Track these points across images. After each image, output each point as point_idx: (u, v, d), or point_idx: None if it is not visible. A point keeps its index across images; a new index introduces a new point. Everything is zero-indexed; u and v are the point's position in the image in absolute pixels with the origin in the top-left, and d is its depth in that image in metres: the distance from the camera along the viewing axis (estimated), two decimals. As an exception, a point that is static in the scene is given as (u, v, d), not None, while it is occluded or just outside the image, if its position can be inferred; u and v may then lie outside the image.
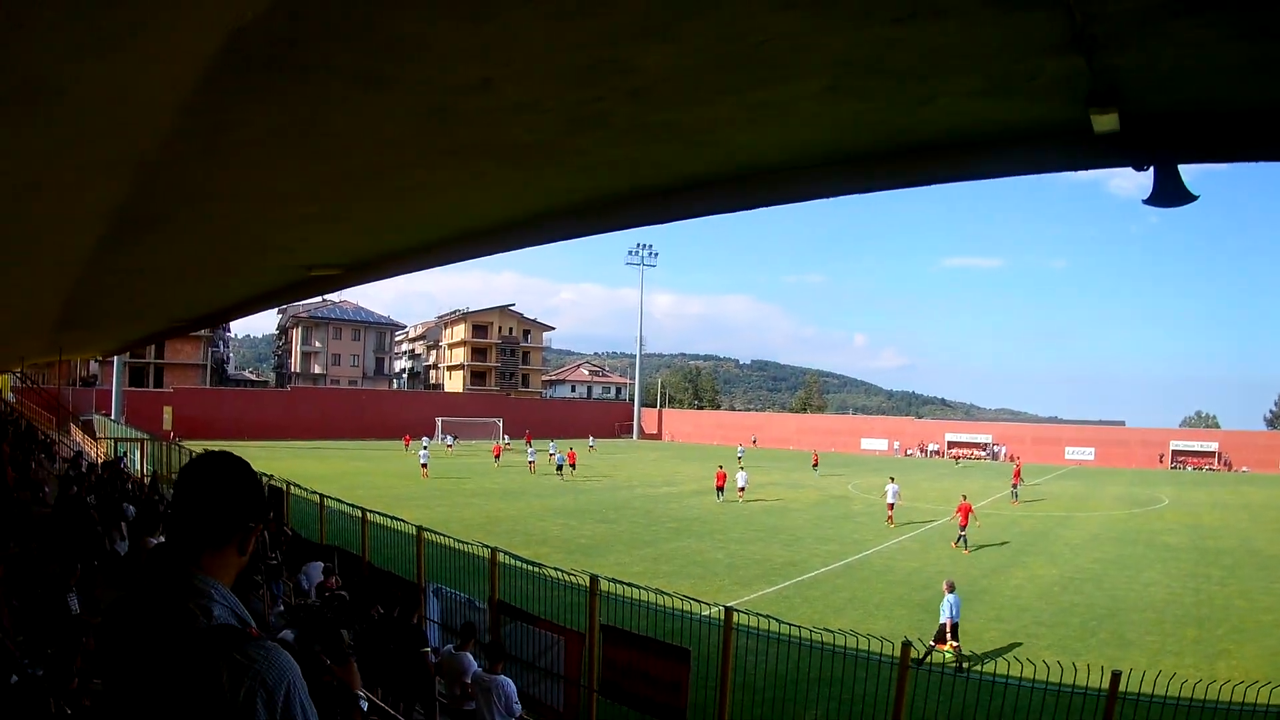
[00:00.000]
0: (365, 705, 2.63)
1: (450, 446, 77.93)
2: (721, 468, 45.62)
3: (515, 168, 4.73)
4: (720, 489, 43.84)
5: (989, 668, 10.12)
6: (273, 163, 4.53)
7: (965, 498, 31.75)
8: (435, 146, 4.27)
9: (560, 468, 54.87)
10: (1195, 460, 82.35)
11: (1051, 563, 27.54)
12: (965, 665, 14.52)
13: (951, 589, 16.72)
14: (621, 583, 12.30)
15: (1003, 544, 31.16)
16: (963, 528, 30.19)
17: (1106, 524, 37.66)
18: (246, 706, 1.99)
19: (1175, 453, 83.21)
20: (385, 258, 8.35)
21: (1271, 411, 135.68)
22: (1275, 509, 45.25)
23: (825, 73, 3.34)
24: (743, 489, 43.91)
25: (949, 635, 15.70)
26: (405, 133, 4.03)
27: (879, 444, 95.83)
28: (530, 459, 58.93)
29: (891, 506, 36.35)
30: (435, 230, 6.95)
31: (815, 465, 62.64)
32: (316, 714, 2.15)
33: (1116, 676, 8.71)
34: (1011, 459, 76.73)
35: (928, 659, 14.42)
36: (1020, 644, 14.35)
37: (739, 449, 75.89)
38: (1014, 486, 47.69)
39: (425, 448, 56.11)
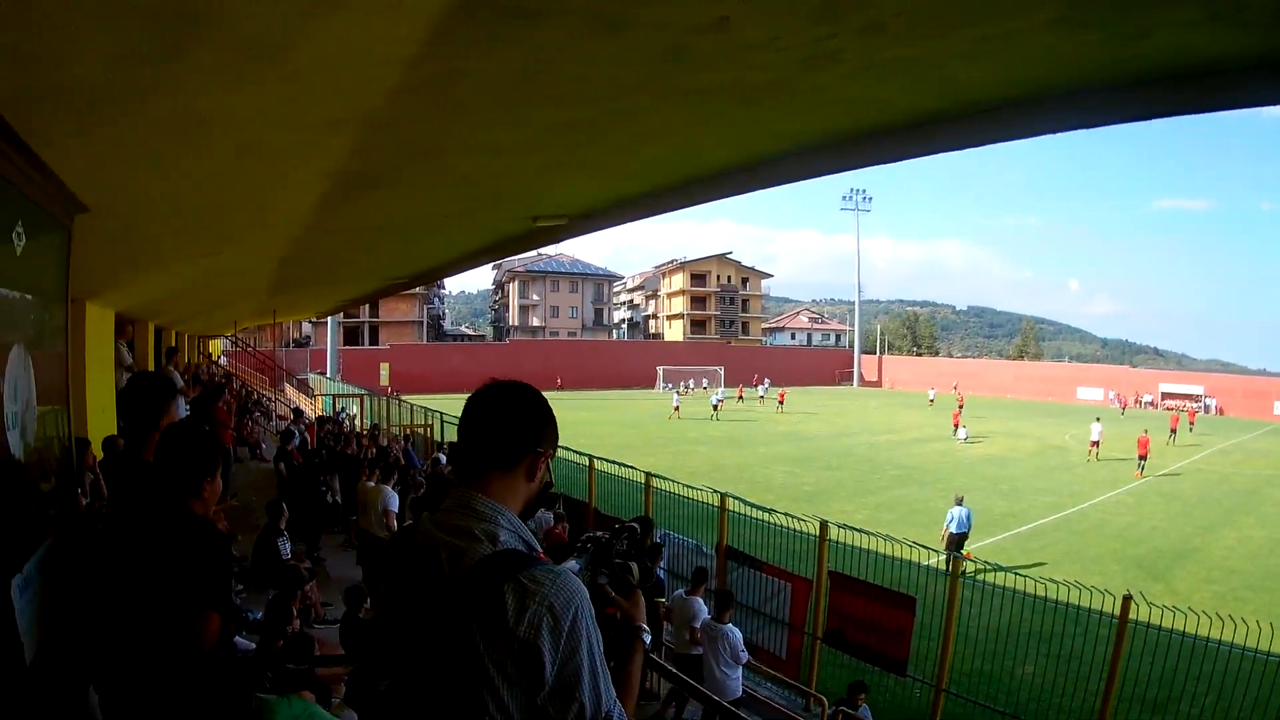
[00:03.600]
0: (649, 639, 2.57)
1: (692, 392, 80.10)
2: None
3: (748, 109, 4.65)
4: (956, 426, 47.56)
5: (1202, 629, 9.68)
6: (503, 113, 4.50)
7: (1146, 432, 37.27)
8: (671, 89, 4.21)
9: (715, 407, 59.86)
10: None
11: (1262, 524, 26.31)
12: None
13: (960, 502, 18.86)
14: (851, 528, 12.37)
15: (1213, 503, 29.94)
16: (1142, 457, 35.66)
17: (1316, 483, 35.50)
18: (531, 631, 1.98)
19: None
20: (612, 206, 8.25)
21: None
22: None
23: (1052, 3, 3.23)
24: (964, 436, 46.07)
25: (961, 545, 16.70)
26: (641, 76, 3.97)
27: (1095, 393, 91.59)
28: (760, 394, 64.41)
29: (1095, 444, 40.11)
30: (664, 176, 6.88)
31: (960, 406, 59.03)
32: (601, 642, 2.12)
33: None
34: (1220, 412, 76.64)
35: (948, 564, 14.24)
36: (1229, 607, 13.66)
37: (930, 393, 79.70)
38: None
39: (679, 392, 66.13)
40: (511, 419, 2.29)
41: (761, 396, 70.38)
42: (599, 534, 2.80)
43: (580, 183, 7.25)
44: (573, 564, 2.59)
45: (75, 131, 3.55)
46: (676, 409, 58.80)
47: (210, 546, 3.16)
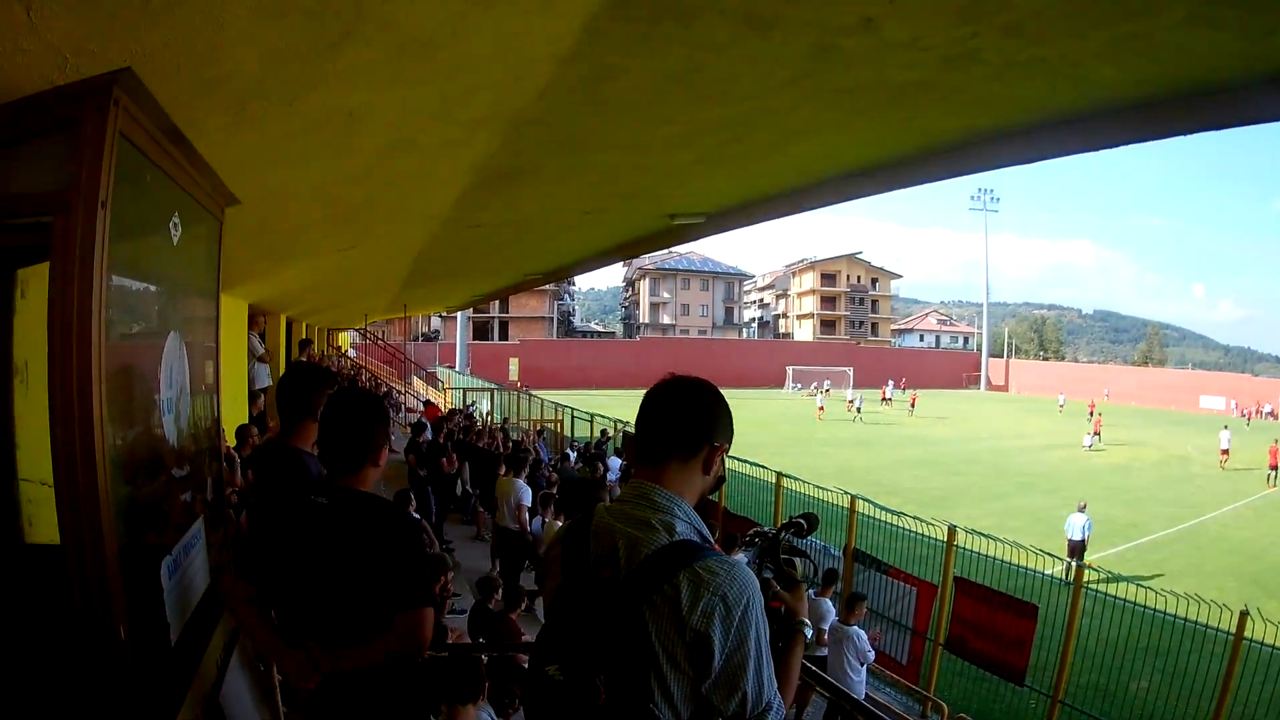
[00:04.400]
0: (811, 634, 2.56)
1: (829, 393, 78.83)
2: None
3: (890, 108, 4.65)
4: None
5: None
6: (651, 111, 4.52)
7: (1277, 442, 36.81)
8: (816, 88, 4.20)
9: (859, 409, 59.75)
10: None
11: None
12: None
13: (1082, 509, 18.82)
14: (979, 534, 12.33)
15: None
16: (1273, 468, 35.87)
17: None
18: (704, 620, 2.00)
19: None
20: (750, 204, 8.23)
21: None
22: None
23: (1183, 2, 3.19)
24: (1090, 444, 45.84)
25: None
26: (788, 75, 3.96)
27: (1217, 402, 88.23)
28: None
29: (1225, 452, 40.48)
30: (804, 175, 6.84)
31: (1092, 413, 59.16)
32: (768, 633, 2.14)
33: None
34: None
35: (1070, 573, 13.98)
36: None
37: (1060, 399, 78.55)
38: None
39: (823, 392, 68.14)
40: (689, 412, 2.32)
41: (889, 399, 70.04)
42: (765, 529, 2.81)
43: (721, 181, 7.29)
44: (741, 556, 2.60)
45: (230, 125, 3.65)
46: (821, 409, 59.82)
47: (409, 533, 3.20)
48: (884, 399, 71.58)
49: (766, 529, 2.80)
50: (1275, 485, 35.17)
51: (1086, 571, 13.45)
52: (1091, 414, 57.26)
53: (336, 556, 3.02)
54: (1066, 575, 11.96)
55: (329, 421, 3.24)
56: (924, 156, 5.89)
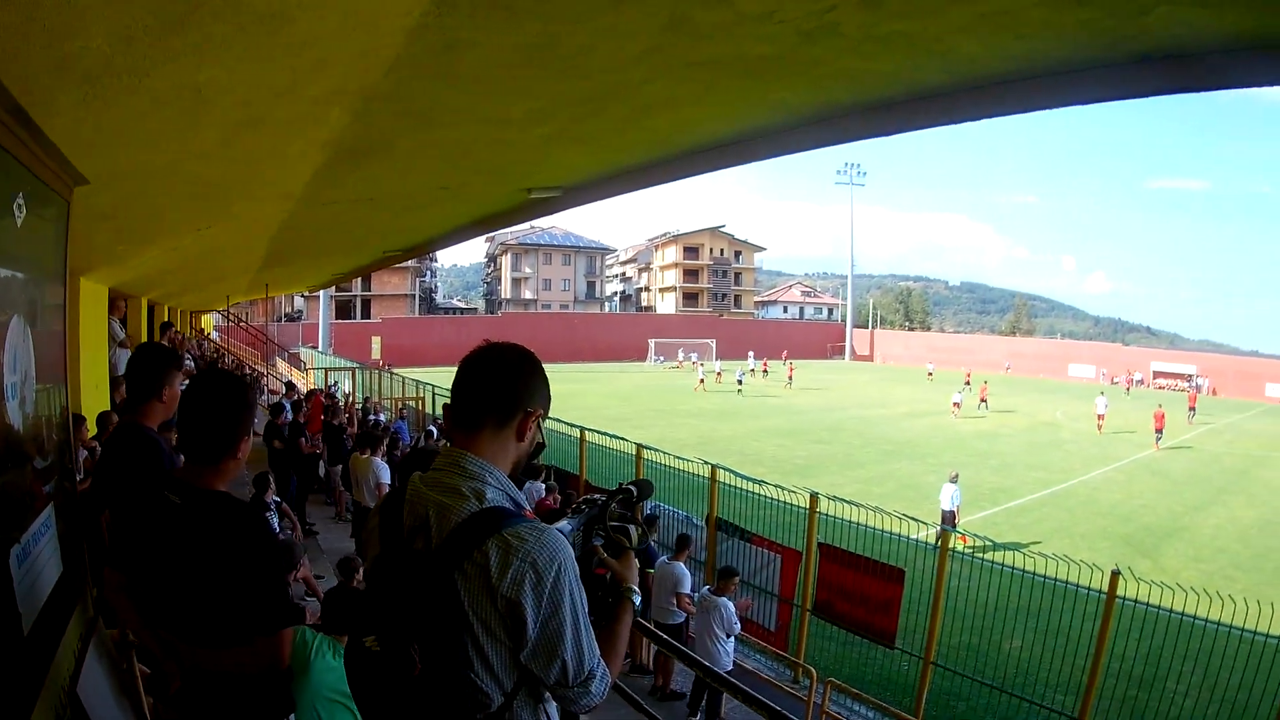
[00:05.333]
0: (639, 601, 2.52)
1: (694, 364, 79.88)
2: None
3: (746, 81, 4.65)
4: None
5: (1189, 607, 9.80)
6: (505, 84, 4.47)
7: (1161, 406, 40.05)
8: (673, 61, 4.19)
9: (740, 382, 60.02)
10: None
11: (1250, 504, 26.62)
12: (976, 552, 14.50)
13: (954, 480, 19.13)
14: (841, 500, 12.46)
15: (1203, 481, 30.30)
16: (1159, 431, 37.77)
17: (1306, 466, 35.89)
18: (514, 588, 2.00)
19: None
20: (608, 178, 8.21)
21: None
22: None
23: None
24: (958, 404, 48.22)
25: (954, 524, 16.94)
26: (644, 47, 3.94)
27: (1086, 370, 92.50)
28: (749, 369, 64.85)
29: (1101, 417, 43.06)
30: (661, 148, 6.84)
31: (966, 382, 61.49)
32: (585, 601, 2.15)
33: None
34: (1212, 392, 76.68)
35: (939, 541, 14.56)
36: (1216, 585, 13.83)
37: (929, 368, 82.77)
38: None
39: (701, 365, 68.18)
40: (502, 378, 2.30)
41: (751, 370, 70.62)
42: (595, 496, 2.80)
43: (578, 154, 7.23)
44: (565, 524, 2.60)
45: (78, 103, 3.52)
46: (701, 381, 60.68)
47: (264, 546, 3.10)
48: (764, 370, 72.59)
49: (596, 496, 2.80)
50: (1161, 448, 36.96)
51: (969, 538, 13.87)
52: (968, 383, 59.26)
53: (189, 562, 2.93)
54: (939, 540, 12.26)
55: (188, 409, 3.12)
56: (783, 129, 5.93)
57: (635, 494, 2.78)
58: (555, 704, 2.25)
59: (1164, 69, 4.02)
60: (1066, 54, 4.10)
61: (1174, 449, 37.71)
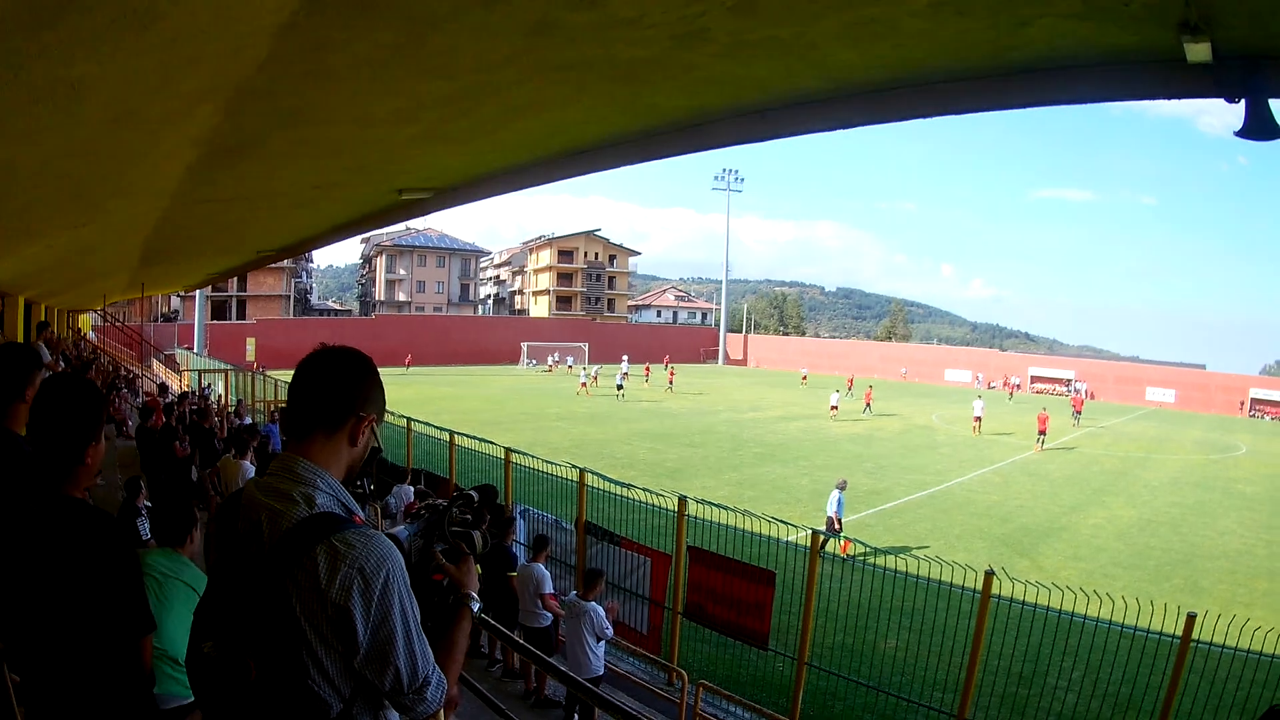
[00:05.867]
0: (478, 607, 2.52)
1: (568, 368, 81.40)
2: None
3: (618, 85, 4.67)
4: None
5: (1058, 603, 10.08)
6: (374, 84, 4.46)
7: (1045, 409, 41.80)
8: (541, 63, 4.20)
9: (620, 387, 58.74)
10: (1275, 410, 79.53)
11: (1130, 504, 27.40)
12: (862, 557, 14.82)
13: (841, 487, 18.87)
14: (709, 503, 12.41)
15: (1081, 482, 31.03)
16: (1041, 433, 39.30)
17: (1185, 468, 37.05)
18: (342, 594, 2.00)
19: (1254, 401, 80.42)
20: (480, 180, 8.24)
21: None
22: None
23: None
24: (835, 407, 49.18)
25: (838, 529, 17.26)
26: (511, 49, 3.95)
27: (962, 375, 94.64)
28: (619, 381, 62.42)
29: (979, 419, 44.49)
30: (533, 150, 6.86)
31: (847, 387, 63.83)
32: (416, 608, 2.15)
33: (1191, 619, 8.68)
34: (1091, 396, 78.29)
35: (822, 548, 14.69)
36: (1096, 583, 14.29)
37: (803, 371, 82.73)
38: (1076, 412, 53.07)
39: (585, 369, 66.75)
40: (334, 384, 2.31)
41: (626, 374, 69.55)
42: (438, 502, 2.81)
43: (448, 155, 7.27)
44: (403, 530, 2.60)
45: (-54, 99, 3.44)
46: (584, 385, 60.52)
47: (120, 556, 3.04)
48: (646, 375, 72.23)
49: (439, 502, 2.82)
50: (1043, 449, 38.60)
51: (853, 545, 14.09)
52: (850, 387, 61.85)
53: (43, 571, 2.87)
54: (823, 545, 12.42)
55: (35, 417, 3.07)
56: (656, 134, 5.99)
57: (476, 499, 2.81)
58: (395, 712, 2.24)
59: (1043, 81, 4.15)
60: (947, 64, 4.18)
61: (1053, 451, 38.87)
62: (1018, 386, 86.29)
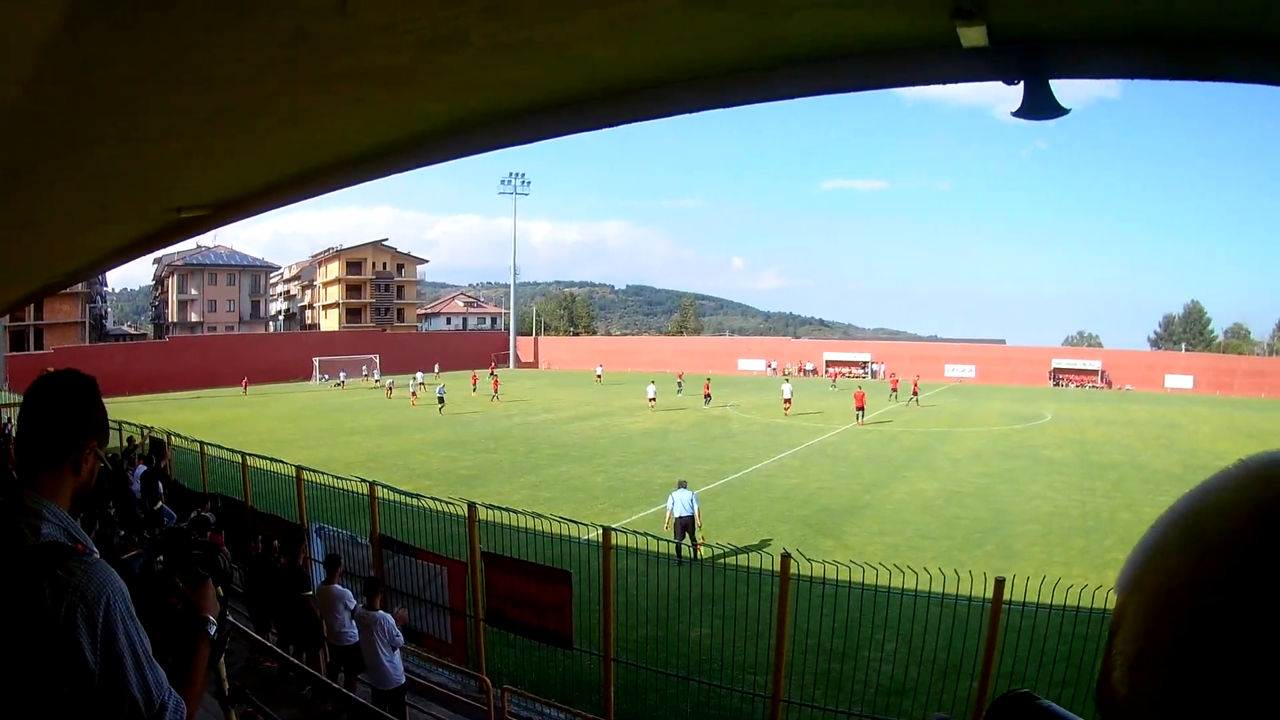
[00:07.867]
0: (214, 630, 2.51)
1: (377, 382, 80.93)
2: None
3: (378, 92, 4.62)
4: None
5: (870, 579, 10.29)
6: (141, 101, 4.36)
7: (861, 387, 45.88)
8: (297, 74, 4.13)
9: (441, 400, 56.55)
10: (1078, 378, 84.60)
11: (933, 477, 28.43)
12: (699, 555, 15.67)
13: (682, 485, 18.81)
14: (498, 508, 12.41)
15: (882, 460, 32.19)
16: (860, 409, 43.07)
17: (989, 439, 38.77)
18: (68, 623, 1.98)
19: (1057, 370, 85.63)
20: (255, 193, 8.07)
21: (1155, 332, 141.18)
22: (1158, 425, 46.79)
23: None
24: (653, 399, 51.70)
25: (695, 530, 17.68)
26: (266, 61, 3.89)
27: (756, 364, 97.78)
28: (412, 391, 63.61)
29: (788, 401, 48.01)
30: (305, 161, 6.74)
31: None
32: (143, 633, 2.14)
33: (1000, 583, 8.97)
34: (891, 376, 80.00)
35: (683, 553, 15.69)
36: (904, 557, 14.73)
37: (597, 370, 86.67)
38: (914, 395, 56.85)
39: (414, 379, 69.14)
40: (53, 417, 2.32)
41: (422, 383, 68.77)
42: (178, 525, 2.77)
43: (221, 170, 7.15)
44: (138, 556, 2.56)
45: None
46: (414, 395, 61.53)
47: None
48: (473, 384, 71.56)
49: (180, 525, 2.76)
50: (864, 423, 41.90)
51: (699, 547, 14.30)
52: (680, 382, 64.30)
53: None
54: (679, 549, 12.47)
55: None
56: (423, 140, 5.94)
57: (212, 520, 2.76)
58: None
59: (813, 70, 4.17)
60: (714, 57, 4.18)
61: (854, 432, 40.24)
62: (811, 370, 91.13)
